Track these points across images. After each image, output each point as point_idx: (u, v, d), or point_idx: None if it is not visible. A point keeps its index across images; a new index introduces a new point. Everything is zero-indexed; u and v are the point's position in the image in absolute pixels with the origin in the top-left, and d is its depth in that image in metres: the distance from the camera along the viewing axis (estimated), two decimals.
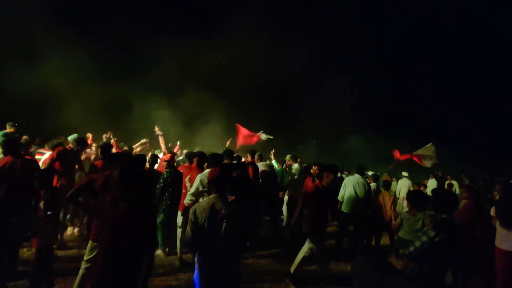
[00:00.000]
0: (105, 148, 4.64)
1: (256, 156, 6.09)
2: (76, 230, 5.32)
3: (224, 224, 2.43)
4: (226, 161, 4.73)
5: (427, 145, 9.43)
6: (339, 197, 5.76)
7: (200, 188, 3.91)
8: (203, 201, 2.63)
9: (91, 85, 10.80)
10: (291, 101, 22.33)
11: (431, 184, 10.30)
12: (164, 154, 6.06)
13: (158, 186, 4.53)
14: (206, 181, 3.86)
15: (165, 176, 4.59)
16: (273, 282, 4.05)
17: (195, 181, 4.01)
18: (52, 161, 4.74)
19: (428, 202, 3.25)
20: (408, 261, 2.60)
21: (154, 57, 13.30)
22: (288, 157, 7.56)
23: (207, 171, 4.10)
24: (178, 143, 8.09)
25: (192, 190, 3.97)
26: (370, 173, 7.20)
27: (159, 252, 4.67)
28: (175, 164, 5.06)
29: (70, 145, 5.17)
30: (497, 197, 5.07)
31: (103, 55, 12.12)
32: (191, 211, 2.49)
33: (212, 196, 2.58)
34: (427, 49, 28.45)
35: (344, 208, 5.59)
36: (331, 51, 22.43)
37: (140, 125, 9.65)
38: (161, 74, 12.42)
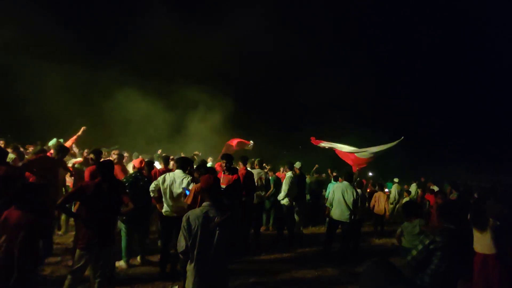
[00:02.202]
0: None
1: (256, 162, 6.36)
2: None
3: (217, 231, 2.46)
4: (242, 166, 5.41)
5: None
6: (328, 204, 5.87)
7: (152, 188, 4.20)
8: (197, 208, 2.65)
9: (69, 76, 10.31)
10: (280, 108, 22.53)
11: (414, 189, 11.11)
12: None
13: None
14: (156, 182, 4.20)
15: (124, 181, 4.42)
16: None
17: None
18: (27, 164, 4.44)
19: (419, 209, 3.53)
20: (410, 272, 2.56)
21: (140, 48, 12.91)
22: (297, 164, 7.46)
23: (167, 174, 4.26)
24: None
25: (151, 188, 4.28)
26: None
27: (121, 263, 4.36)
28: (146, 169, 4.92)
29: (51, 151, 4.98)
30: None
31: (83, 40, 11.63)
32: (184, 218, 2.50)
33: (205, 203, 2.60)
34: (424, 50, 29.35)
35: (332, 214, 5.71)
36: (321, 52, 22.80)
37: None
38: (151, 71, 12.06)
